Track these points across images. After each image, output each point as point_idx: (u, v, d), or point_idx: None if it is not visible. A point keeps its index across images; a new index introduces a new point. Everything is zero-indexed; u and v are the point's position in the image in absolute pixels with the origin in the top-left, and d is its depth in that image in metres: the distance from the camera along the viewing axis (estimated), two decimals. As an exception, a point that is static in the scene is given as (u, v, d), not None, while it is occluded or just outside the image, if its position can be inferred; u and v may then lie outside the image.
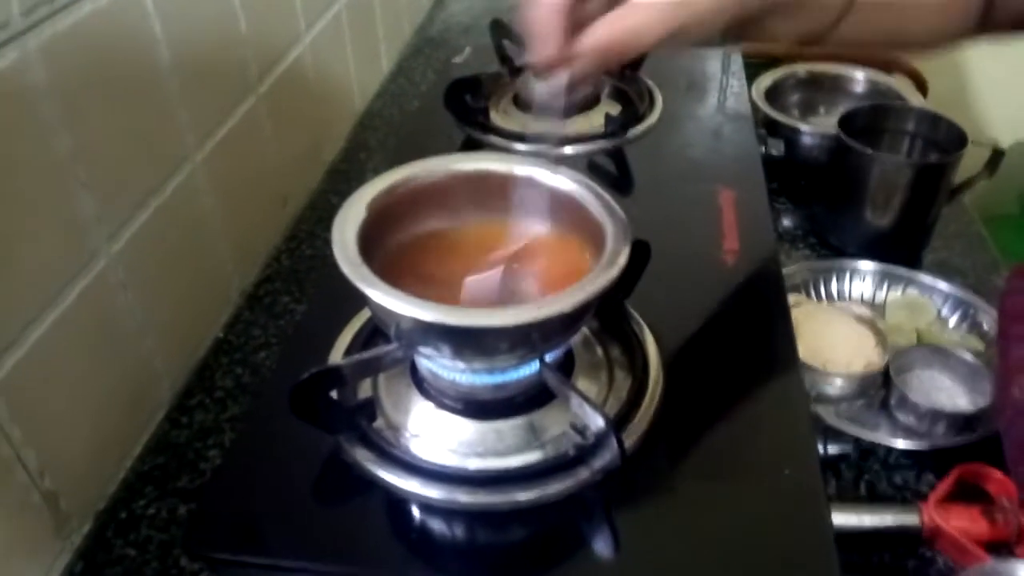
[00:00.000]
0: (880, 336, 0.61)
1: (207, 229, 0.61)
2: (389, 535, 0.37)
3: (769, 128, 0.79)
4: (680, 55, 0.79)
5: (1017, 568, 0.42)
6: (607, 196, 0.41)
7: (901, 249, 0.72)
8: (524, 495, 0.37)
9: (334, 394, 0.40)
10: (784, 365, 0.44)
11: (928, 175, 0.68)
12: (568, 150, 0.65)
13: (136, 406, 0.54)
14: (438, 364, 0.39)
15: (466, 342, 0.36)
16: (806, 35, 0.41)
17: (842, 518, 0.48)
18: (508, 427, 0.40)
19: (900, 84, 0.86)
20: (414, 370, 0.42)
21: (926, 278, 0.68)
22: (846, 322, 0.63)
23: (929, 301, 0.67)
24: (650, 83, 0.72)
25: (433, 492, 0.37)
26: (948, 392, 0.59)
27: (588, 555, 0.36)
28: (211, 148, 0.60)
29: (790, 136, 0.78)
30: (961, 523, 0.48)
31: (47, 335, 0.44)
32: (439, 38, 1.11)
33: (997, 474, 0.50)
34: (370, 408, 0.40)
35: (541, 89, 0.38)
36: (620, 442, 0.35)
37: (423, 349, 0.37)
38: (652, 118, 0.68)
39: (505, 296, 0.39)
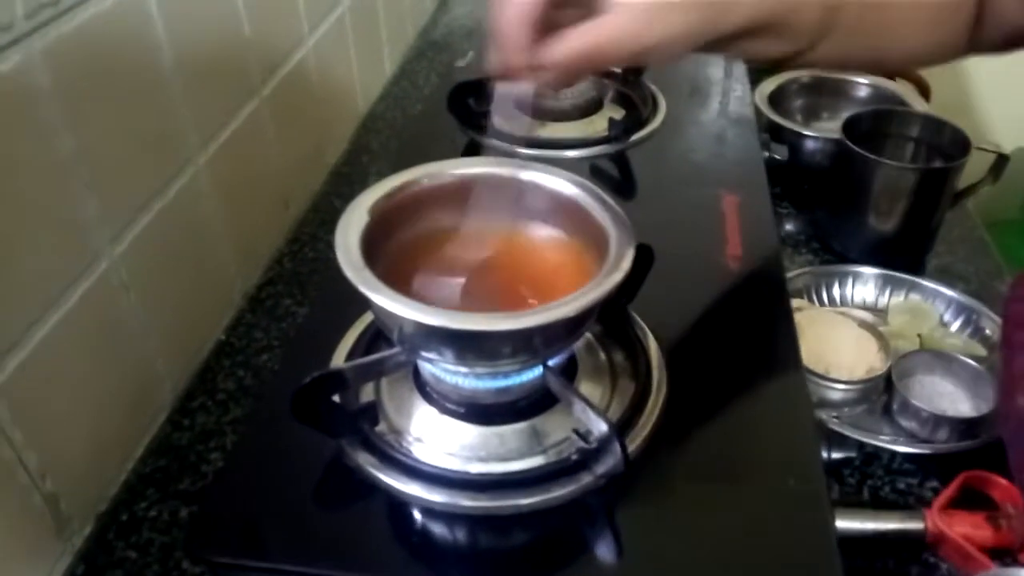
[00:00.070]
0: (883, 341, 0.61)
1: (209, 231, 0.61)
2: (391, 539, 0.37)
3: (772, 133, 0.79)
4: (682, 59, 0.78)
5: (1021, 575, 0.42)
6: (611, 201, 0.41)
7: (904, 254, 0.72)
8: (527, 500, 0.37)
9: (336, 398, 0.40)
10: (787, 370, 0.44)
11: (932, 181, 0.68)
12: (571, 154, 0.65)
13: (138, 408, 0.54)
14: (441, 368, 0.39)
15: (469, 346, 0.36)
16: (781, 57, 0.41)
17: (846, 523, 0.48)
18: (511, 432, 0.40)
19: (903, 89, 0.86)
20: (417, 374, 0.42)
21: (928, 283, 0.67)
22: (849, 327, 0.63)
23: (932, 306, 0.67)
24: (653, 87, 0.72)
25: (435, 496, 0.37)
26: (950, 397, 0.59)
27: (591, 560, 0.36)
28: (214, 150, 0.60)
29: (793, 141, 0.78)
30: (965, 529, 0.48)
31: (49, 337, 0.44)
32: (442, 41, 1.11)
33: (1002, 481, 0.50)
34: (372, 412, 0.40)
35: (502, 94, 0.37)
36: (623, 447, 0.35)
37: (426, 353, 0.37)
38: (655, 122, 0.68)
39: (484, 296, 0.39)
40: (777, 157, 0.77)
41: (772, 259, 0.53)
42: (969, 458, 0.53)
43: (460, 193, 0.43)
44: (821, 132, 0.79)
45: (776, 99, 0.84)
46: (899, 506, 0.51)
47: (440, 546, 0.37)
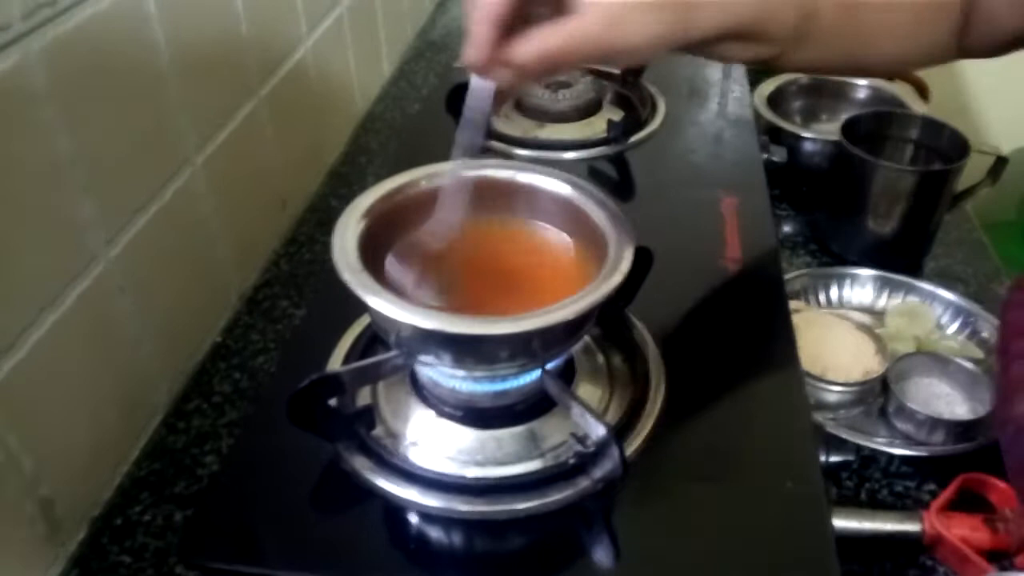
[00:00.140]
0: (880, 343, 0.61)
1: (206, 232, 0.60)
2: (387, 544, 0.37)
3: (771, 134, 0.79)
4: (681, 60, 0.78)
5: (1019, 580, 0.42)
6: (610, 203, 0.40)
7: (902, 257, 0.72)
8: (523, 504, 0.36)
9: (333, 402, 0.40)
10: (785, 372, 0.44)
11: (930, 183, 0.68)
12: (570, 155, 0.65)
13: (133, 411, 0.53)
14: (438, 372, 0.39)
15: (467, 350, 0.36)
16: (756, 60, 0.40)
17: (842, 522, 0.48)
18: (508, 435, 0.39)
19: (902, 91, 0.86)
20: (414, 377, 0.42)
21: (926, 286, 0.67)
22: (846, 329, 0.63)
23: (929, 309, 0.67)
24: (652, 89, 0.72)
25: (432, 501, 0.37)
26: (947, 400, 0.59)
27: (588, 565, 0.36)
28: (211, 151, 0.59)
29: (792, 143, 0.78)
30: (962, 531, 0.48)
31: (44, 339, 0.43)
32: (441, 41, 1.11)
33: (1000, 484, 0.49)
34: (369, 416, 0.40)
35: (474, 85, 0.37)
36: (621, 451, 0.35)
37: (423, 357, 0.37)
38: (654, 124, 0.68)
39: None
40: (776, 159, 0.77)
41: (770, 261, 0.53)
42: (967, 461, 0.52)
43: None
44: (820, 134, 0.78)
45: (775, 101, 0.84)
46: (897, 509, 0.51)
47: (437, 551, 0.37)
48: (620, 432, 0.39)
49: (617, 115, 0.67)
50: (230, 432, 0.55)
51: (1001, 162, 0.72)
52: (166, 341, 0.56)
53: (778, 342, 0.46)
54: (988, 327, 0.64)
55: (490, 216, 0.43)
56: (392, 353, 0.39)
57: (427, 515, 0.37)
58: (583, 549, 0.37)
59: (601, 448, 0.36)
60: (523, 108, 0.70)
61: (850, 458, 0.52)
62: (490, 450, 0.39)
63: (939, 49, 0.43)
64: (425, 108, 0.77)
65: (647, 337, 0.45)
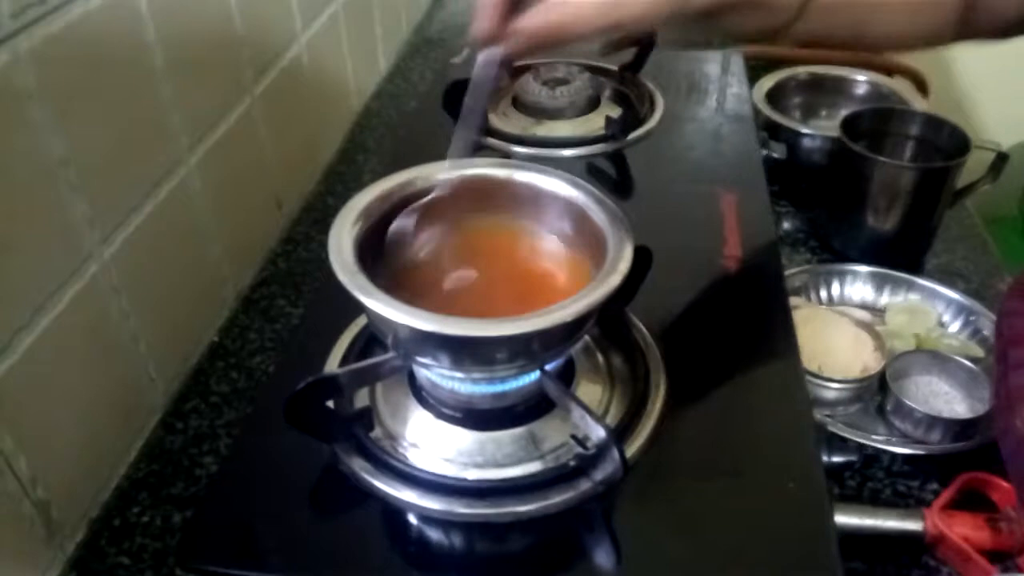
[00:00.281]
0: (879, 341, 0.60)
1: (202, 232, 0.60)
2: (386, 547, 0.37)
3: (770, 131, 0.79)
4: (680, 56, 0.78)
5: (1022, 579, 0.42)
6: (609, 201, 0.40)
7: (903, 253, 0.71)
8: (523, 507, 0.36)
9: (331, 403, 0.39)
10: (786, 370, 0.44)
11: (931, 179, 0.67)
12: (568, 152, 0.64)
13: (130, 411, 0.53)
14: (437, 373, 0.39)
15: (465, 352, 0.36)
16: (758, 33, 0.41)
17: (844, 519, 0.48)
18: (508, 437, 0.39)
19: (902, 87, 0.85)
20: (412, 379, 0.42)
21: (927, 283, 0.67)
22: (845, 326, 0.62)
23: (930, 306, 0.67)
24: (651, 85, 0.72)
25: (431, 503, 0.36)
26: (946, 398, 0.59)
27: (589, 567, 0.36)
28: (205, 150, 0.59)
29: (791, 139, 0.77)
30: (965, 530, 0.47)
31: (39, 340, 0.43)
32: (437, 38, 1.10)
33: (1002, 483, 0.49)
34: (367, 417, 0.40)
35: (479, 60, 0.39)
36: (622, 453, 0.35)
37: (421, 358, 0.37)
38: (653, 121, 0.67)
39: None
40: (775, 155, 0.76)
41: (770, 258, 0.53)
42: (970, 460, 0.52)
43: (455, 194, 0.42)
44: (820, 130, 0.78)
45: (774, 97, 0.83)
46: (899, 507, 0.51)
47: (436, 554, 0.37)
48: (620, 433, 0.39)
49: (615, 112, 0.66)
50: (228, 432, 0.55)
51: (1002, 158, 0.72)
52: (162, 341, 0.55)
53: (779, 340, 0.46)
54: (989, 325, 0.63)
55: (488, 216, 0.43)
56: (390, 354, 0.38)
57: (426, 517, 0.37)
58: (584, 551, 0.36)
59: (601, 450, 0.36)
60: (520, 105, 0.70)
61: (853, 458, 0.52)
62: (489, 452, 0.39)
63: (940, 28, 0.43)
64: (422, 105, 0.77)
65: (647, 336, 0.45)
